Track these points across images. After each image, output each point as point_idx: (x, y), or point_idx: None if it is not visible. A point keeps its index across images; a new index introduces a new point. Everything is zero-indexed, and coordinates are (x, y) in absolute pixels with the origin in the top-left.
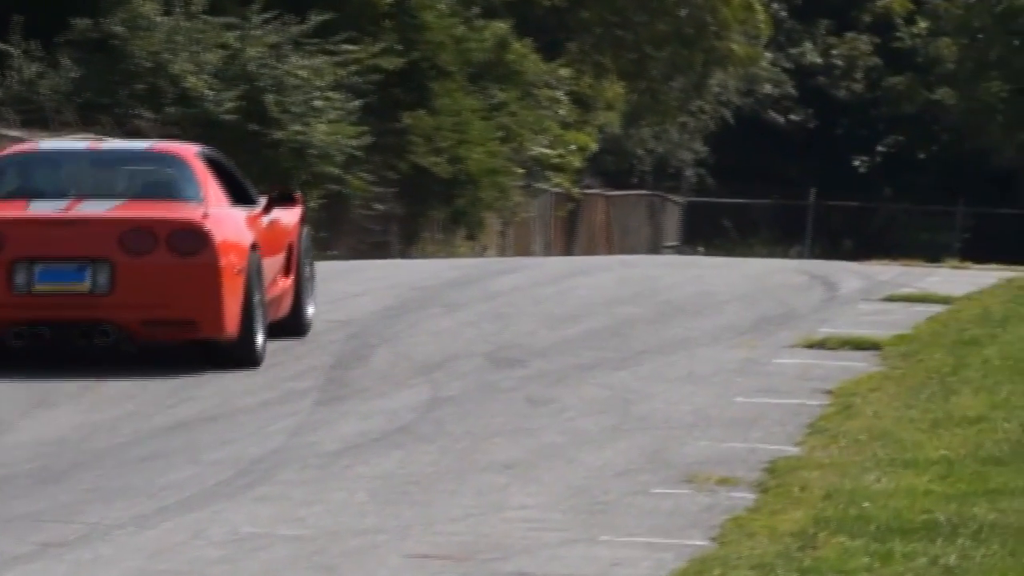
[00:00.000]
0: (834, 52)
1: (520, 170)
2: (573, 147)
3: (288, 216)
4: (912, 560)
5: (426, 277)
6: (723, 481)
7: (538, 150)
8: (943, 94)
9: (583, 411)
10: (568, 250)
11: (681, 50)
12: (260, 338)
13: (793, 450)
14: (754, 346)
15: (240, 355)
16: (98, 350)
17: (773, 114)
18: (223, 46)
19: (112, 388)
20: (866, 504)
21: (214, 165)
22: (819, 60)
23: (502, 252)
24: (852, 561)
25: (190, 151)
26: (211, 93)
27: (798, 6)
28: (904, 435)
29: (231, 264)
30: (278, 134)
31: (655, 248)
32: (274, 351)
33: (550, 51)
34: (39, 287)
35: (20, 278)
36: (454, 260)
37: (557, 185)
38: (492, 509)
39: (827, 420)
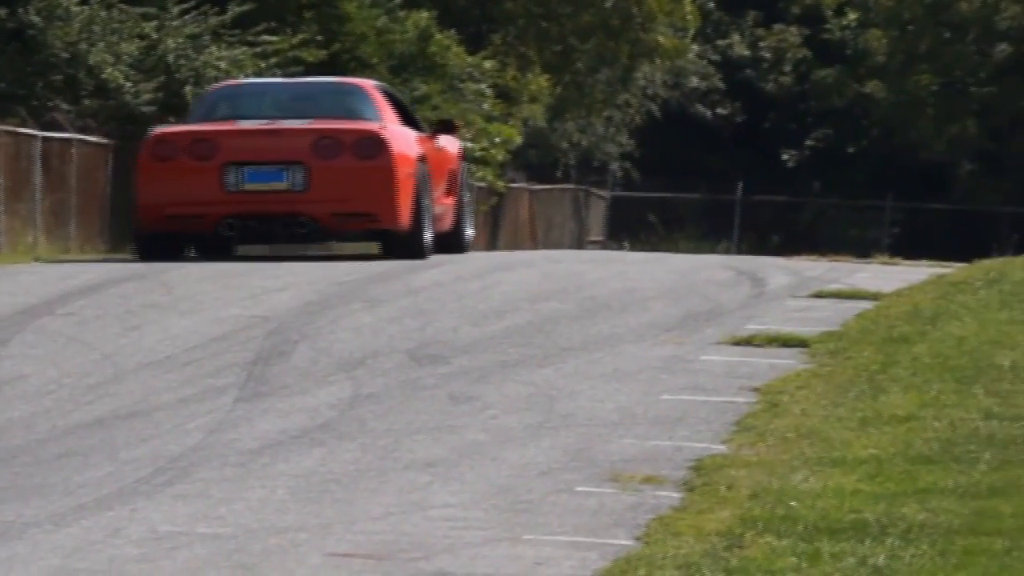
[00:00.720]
0: (762, 44)
1: None
2: (497, 140)
3: (451, 146)
4: (840, 560)
5: (347, 272)
6: (648, 480)
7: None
8: (873, 87)
9: (506, 409)
10: (492, 245)
11: (607, 42)
12: (427, 235)
13: (720, 448)
14: (680, 343)
15: (411, 246)
16: (297, 238)
17: (700, 107)
18: (141, 37)
19: (29, 384)
20: (793, 503)
21: (389, 96)
22: (747, 53)
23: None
24: (779, 561)
25: (369, 83)
26: (129, 84)
27: None
28: (832, 434)
29: (403, 168)
30: None
31: (580, 243)
32: (192, 347)
33: (473, 43)
34: (247, 186)
35: (231, 179)
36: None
37: (481, 179)
38: (414, 508)
39: (754, 418)
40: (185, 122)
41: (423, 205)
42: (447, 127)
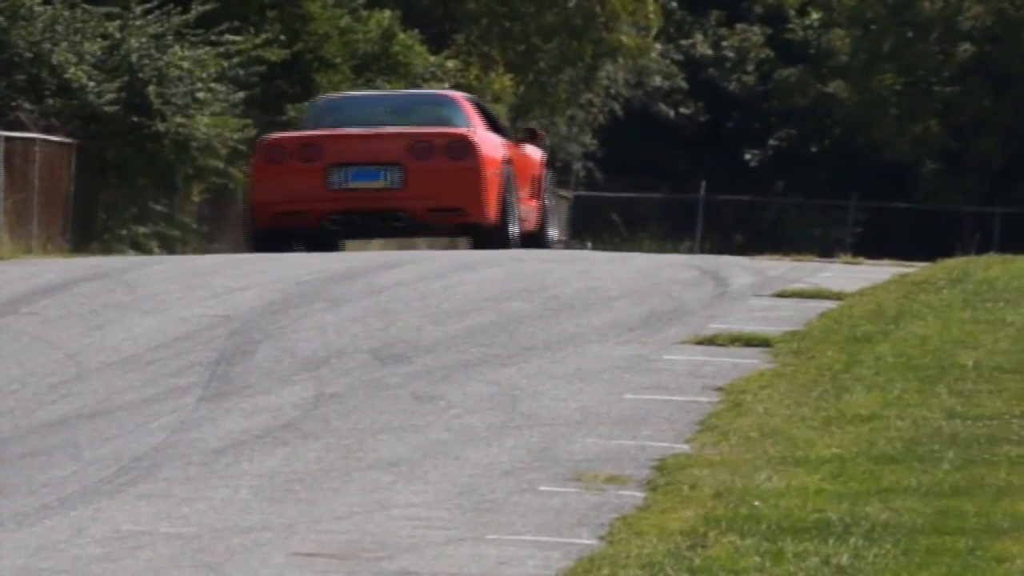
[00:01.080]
0: (725, 44)
1: None
2: None
3: (535, 153)
4: (804, 560)
5: (311, 271)
6: (612, 479)
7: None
8: (836, 87)
9: (470, 408)
10: (454, 244)
11: (570, 42)
12: (513, 229)
13: (683, 448)
14: (643, 342)
15: (497, 239)
16: (394, 232)
17: (663, 107)
18: (104, 36)
19: None
20: (757, 503)
21: (478, 106)
22: (710, 52)
23: (387, 246)
24: (743, 561)
25: (460, 95)
26: (92, 84)
27: None
28: (795, 433)
29: (489, 168)
30: (160, 126)
31: None
32: (155, 347)
33: (437, 43)
34: (349, 185)
35: (335, 178)
36: (339, 254)
37: None
38: (378, 507)
39: (717, 417)
40: (294, 130)
41: (508, 202)
42: (532, 136)
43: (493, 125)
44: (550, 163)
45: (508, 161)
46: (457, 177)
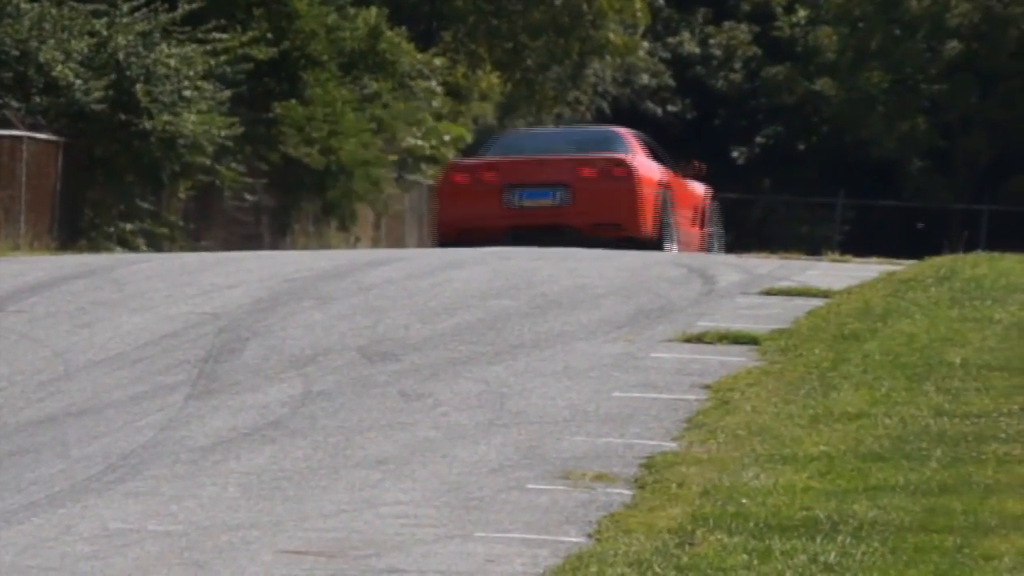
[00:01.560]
0: (712, 42)
1: (393, 156)
2: (447, 138)
3: (699, 186)
4: (791, 557)
5: (298, 269)
6: (600, 477)
7: (412, 141)
8: (823, 84)
9: (458, 406)
10: None
11: (557, 39)
12: (670, 247)
13: (671, 446)
14: (631, 340)
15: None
16: (563, 242)
17: (650, 105)
18: (91, 34)
19: None
20: (745, 501)
21: (642, 140)
22: (697, 50)
23: (375, 244)
24: (730, 558)
25: (624, 130)
26: (79, 82)
27: None
28: (783, 431)
29: (646, 189)
30: (147, 124)
31: None
32: (143, 344)
33: (424, 40)
34: (523, 203)
35: (510, 198)
36: (327, 252)
37: (432, 177)
38: (365, 505)
39: (705, 415)
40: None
41: (665, 222)
42: (695, 171)
43: (656, 156)
44: (715, 197)
45: (666, 186)
46: (615, 196)
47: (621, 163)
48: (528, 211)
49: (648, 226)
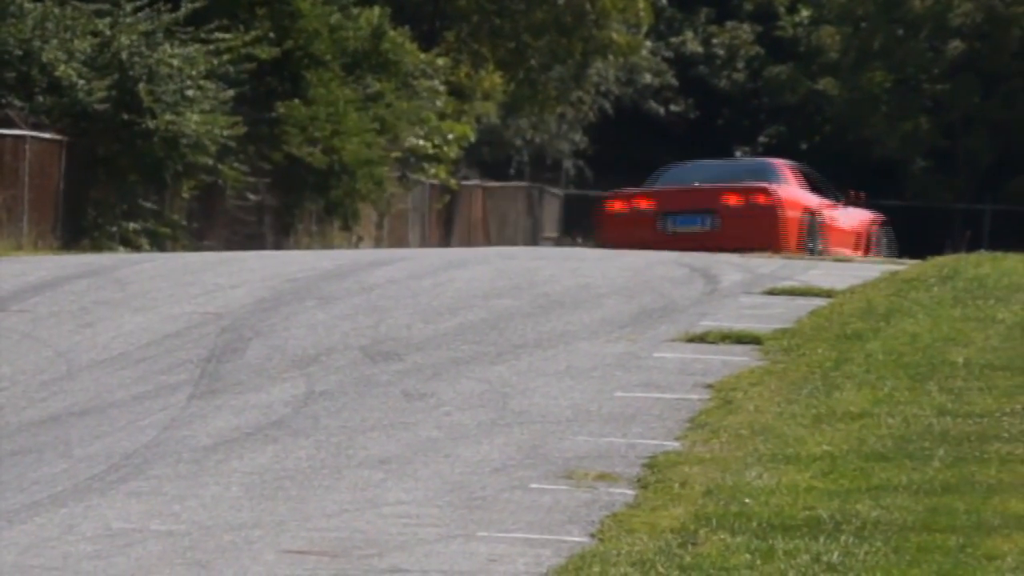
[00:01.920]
0: (715, 41)
1: (396, 154)
2: (450, 138)
3: (863, 213)
4: (794, 557)
5: (301, 269)
6: (602, 477)
7: (414, 141)
8: (826, 84)
9: (460, 405)
10: (445, 242)
11: (560, 39)
12: None
13: (673, 445)
14: (634, 340)
15: None
16: None
17: (653, 104)
18: (94, 34)
19: None
20: (747, 500)
21: (798, 170)
22: (700, 49)
23: (378, 244)
24: (733, 558)
25: (782, 162)
26: (82, 82)
27: None
28: (786, 430)
29: (789, 214)
30: (150, 123)
31: (533, 240)
32: (146, 344)
33: (427, 40)
34: (676, 229)
35: (664, 224)
36: (329, 252)
37: (434, 176)
38: (368, 505)
39: (708, 415)
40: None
41: (810, 246)
42: (856, 200)
43: (814, 186)
44: (884, 223)
45: (814, 213)
46: (758, 221)
47: (764, 191)
48: (681, 235)
49: (792, 249)
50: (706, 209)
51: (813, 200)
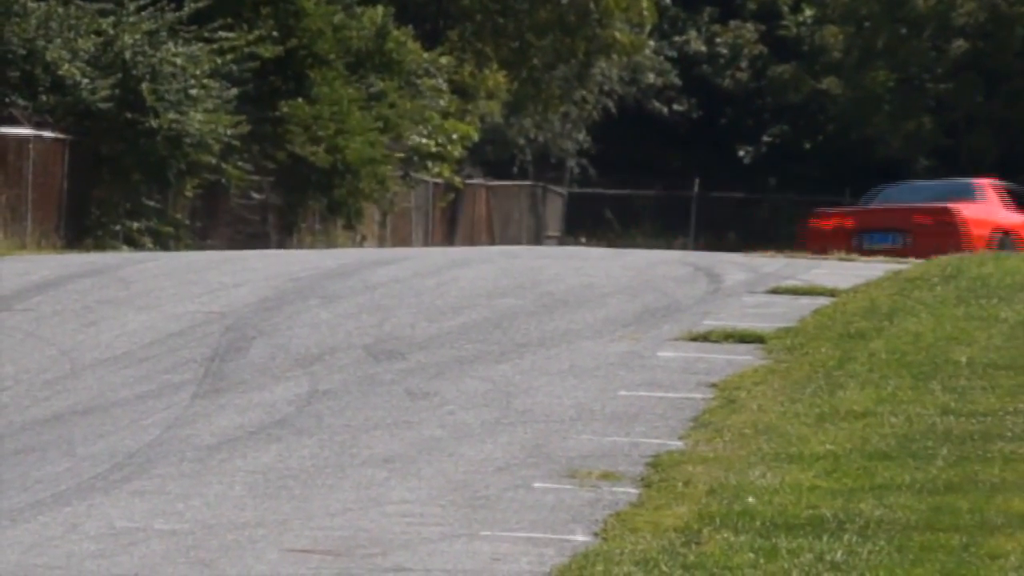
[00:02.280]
0: (718, 41)
1: (400, 154)
2: (454, 137)
3: None
4: (798, 556)
5: (304, 268)
6: (606, 476)
7: (418, 140)
8: (829, 83)
9: (464, 404)
10: (449, 241)
11: (563, 38)
12: None
13: (677, 445)
14: (637, 339)
15: None
16: None
17: (657, 104)
18: (98, 33)
19: None
20: (751, 499)
21: (1003, 189)
22: (703, 49)
23: (381, 243)
24: (737, 557)
25: (988, 181)
26: (86, 81)
27: None
28: (789, 429)
29: (974, 231)
30: (154, 123)
31: (537, 239)
32: (149, 343)
33: (430, 39)
34: (870, 246)
35: (859, 241)
36: (333, 251)
37: (438, 175)
38: (371, 503)
39: (711, 414)
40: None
41: None
42: None
43: (1020, 204)
44: None
45: (1005, 231)
46: (944, 239)
47: (947, 211)
48: (874, 252)
49: None
50: (897, 228)
51: (1010, 218)
